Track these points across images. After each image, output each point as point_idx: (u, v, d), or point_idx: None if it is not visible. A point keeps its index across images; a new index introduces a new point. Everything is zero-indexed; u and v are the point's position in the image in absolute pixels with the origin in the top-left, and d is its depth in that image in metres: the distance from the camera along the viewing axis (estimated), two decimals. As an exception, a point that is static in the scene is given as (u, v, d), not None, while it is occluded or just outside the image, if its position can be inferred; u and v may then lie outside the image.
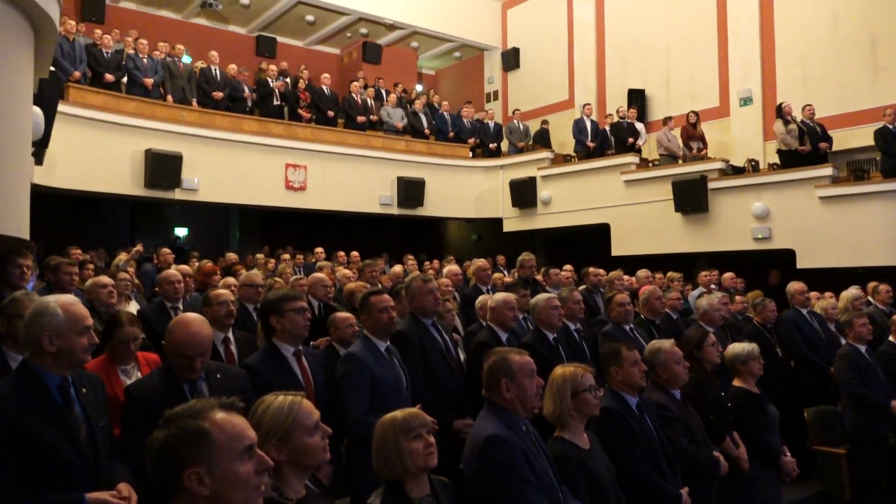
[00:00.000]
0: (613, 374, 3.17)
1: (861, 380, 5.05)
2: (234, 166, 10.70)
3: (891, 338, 5.42)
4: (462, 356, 4.37)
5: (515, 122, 13.60)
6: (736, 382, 4.19)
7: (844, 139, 10.42)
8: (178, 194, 10.20)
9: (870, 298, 6.85)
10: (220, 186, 10.62)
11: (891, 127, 9.00)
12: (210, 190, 10.53)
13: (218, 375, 2.75)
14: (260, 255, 10.49)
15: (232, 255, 9.29)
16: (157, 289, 6.63)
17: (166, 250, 8.09)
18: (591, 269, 6.86)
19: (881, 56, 10.77)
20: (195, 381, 2.65)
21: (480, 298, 5.32)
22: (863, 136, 10.37)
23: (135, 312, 4.50)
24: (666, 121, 11.58)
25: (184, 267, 6.04)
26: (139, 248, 8.12)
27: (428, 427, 2.33)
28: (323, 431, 1.98)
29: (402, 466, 2.25)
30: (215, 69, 11.07)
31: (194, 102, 10.70)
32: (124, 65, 10.14)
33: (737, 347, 4.25)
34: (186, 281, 5.17)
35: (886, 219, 8.72)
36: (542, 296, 4.52)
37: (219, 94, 10.87)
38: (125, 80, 10.21)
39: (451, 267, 6.88)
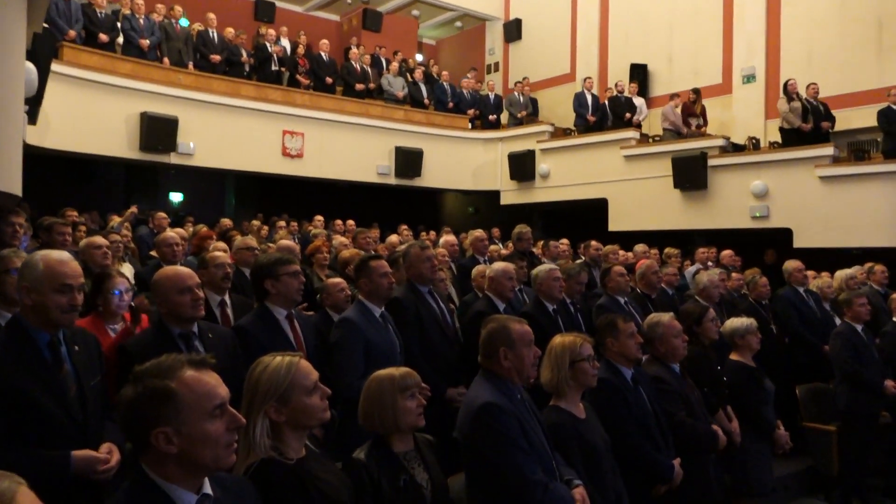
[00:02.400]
0: (609, 345, 3.16)
1: (856, 359, 5.06)
2: (231, 132, 10.58)
3: (894, 318, 5.41)
4: (457, 325, 4.35)
5: (515, 93, 13.45)
6: (733, 356, 4.20)
7: (847, 119, 10.34)
8: (173, 158, 10.09)
9: (866, 279, 6.86)
10: (215, 152, 10.50)
11: (894, 107, 8.92)
12: (206, 155, 10.41)
13: (210, 335, 2.73)
14: (255, 222, 10.44)
15: (226, 221, 9.22)
16: (152, 252, 6.62)
17: (162, 214, 8.02)
18: (594, 243, 6.82)
19: (887, 36, 10.65)
20: (190, 338, 2.62)
21: (477, 268, 5.30)
22: (865, 117, 10.29)
23: (130, 275, 4.47)
24: (672, 97, 11.44)
25: (180, 230, 5.99)
26: (134, 209, 8.04)
27: (421, 388, 2.37)
28: (322, 392, 1.96)
29: (392, 422, 2.29)
30: (213, 32, 10.89)
31: (191, 65, 10.54)
32: (120, 25, 9.95)
33: (735, 322, 4.25)
34: (182, 244, 5.12)
35: (885, 200, 8.69)
36: (543, 266, 4.49)
37: (216, 58, 10.70)
38: (121, 40, 10.03)
39: (448, 237, 6.85)
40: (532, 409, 2.54)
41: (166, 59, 10.27)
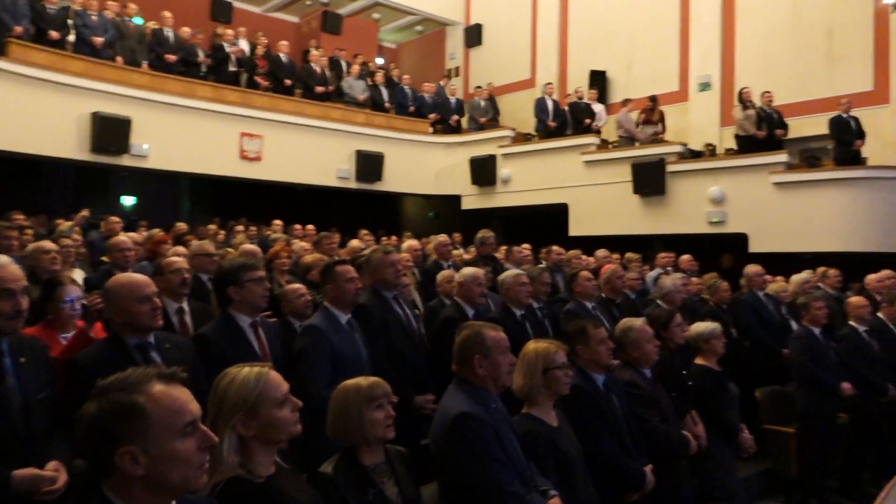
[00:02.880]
0: (580, 352, 3.12)
1: (814, 361, 5.16)
2: (187, 133, 10.31)
3: (851, 322, 5.53)
4: (422, 331, 4.28)
5: (476, 98, 13.46)
6: (698, 361, 4.22)
7: (798, 127, 10.61)
8: (125, 160, 9.79)
9: (819, 283, 7.02)
10: (170, 154, 10.22)
11: (845, 116, 9.20)
12: (160, 157, 10.12)
13: (167, 345, 2.60)
14: (211, 226, 10.18)
15: (182, 225, 8.97)
16: (104, 257, 6.38)
17: (114, 218, 7.74)
18: (555, 248, 6.83)
19: (837, 47, 10.99)
20: (147, 350, 2.48)
21: (442, 273, 5.24)
22: (816, 125, 10.58)
23: (80, 280, 4.27)
24: (625, 102, 11.61)
25: (133, 234, 5.78)
26: (85, 213, 7.75)
27: (390, 398, 2.29)
28: (293, 404, 1.86)
29: (360, 434, 2.21)
30: (168, 31, 10.61)
31: (145, 65, 10.24)
32: (71, 22, 9.62)
33: (700, 326, 4.27)
34: (136, 249, 4.94)
35: (836, 206, 8.94)
36: (510, 272, 4.46)
37: (172, 57, 10.43)
38: (71, 38, 9.69)
39: (411, 242, 6.77)
40: (507, 417, 2.49)
41: (119, 58, 9.95)
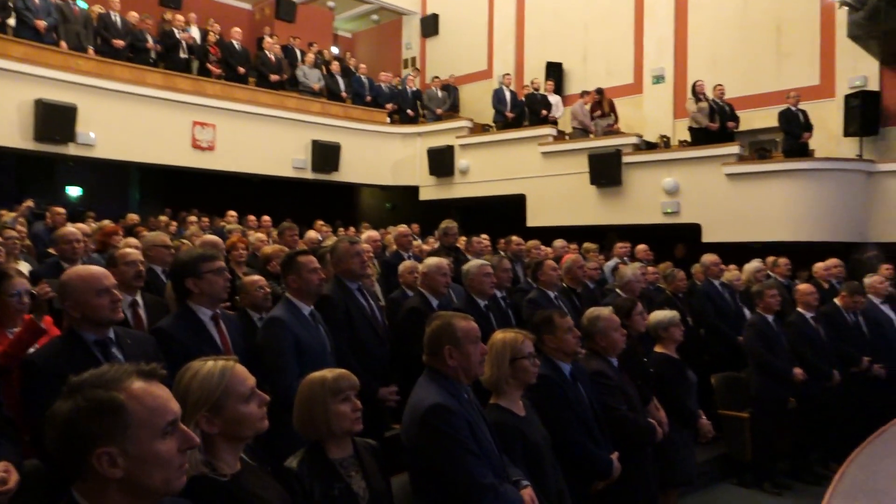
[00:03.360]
0: (547, 341, 3.12)
1: (767, 348, 5.30)
2: (136, 122, 9.99)
3: (799, 308, 5.68)
4: (385, 322, 4.23)
5: (433, 89, 13.40)
6: (657, 349, 4.28)
7: (748, 120, 10.86)
8: (71, 150, 9.44)
9: (768, 272, 7.20)
10: (119, 143, 9.89)
11: (794, 109, 9.45)
12: (108, 146, 9.79)
13: (128, 341, 2.49)
14: (163, 217, 9.93)
15: (133, 216, 8.72)
16: (50, 249, 6.14)
17: (59, 209, 7.47)
18: (515, 238, 6.84)
19: (785, 42, 11.27)
20: (107, 346, 2.37)
21: (404, 264, 5.19)
22: (765, 118, 10.87)
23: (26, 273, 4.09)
24: (583, 94, 11.71)
25: (82, 226, 5.58)
26: (30, 203, 7.45)
27: (356, 390, 2.24)
28: (260, 399, 1.80)
29: (326, 428, 2.16)
30: (115, 16, 10.25)
31: (91, 50, 9.88)
32: (11, 5, 9.20)
33: (659, 315, 4.33)
34: (85, 240, 4.76)
35: (785, 197, 9.18)
36: (474, 262, 4.44)
37: (120, 43, 10.09)
38: (12, 21, 9.28)
39: (371, 233, 6.70)
40: (479, 408, 2.47)
41: (64, 43, 9.57)
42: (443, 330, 2.41)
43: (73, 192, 14.44)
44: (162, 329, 2.78)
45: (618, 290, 5.40)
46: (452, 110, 13.33)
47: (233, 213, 9.55)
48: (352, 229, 10.29)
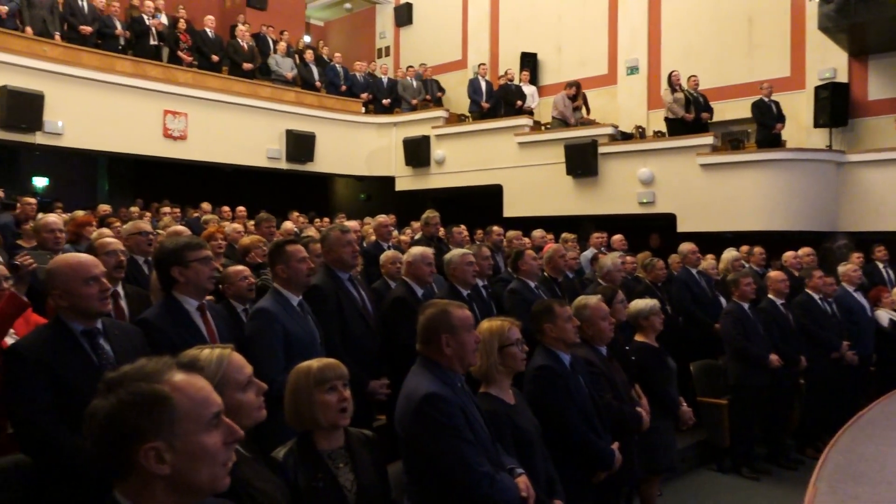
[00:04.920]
0: (547, 331, 3.11)
1: (744, 335, 5.37)
2: (105, 110, 9.76)
3: (769, 295, 5.78)
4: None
5: (408, 78, 13.31)
6: (638, 337, 4.32)
7: (721, 111, 10.97)
8: (39, 138, 9.18)
9: (743, 261, 7.31)
10: (88, 131, 9.66)
11: (766, 100, 9.57)
12: (76, 135, 9.55)
13: (116, 332, 2.43)
14: (134, 208, 9.74)
15: (105, 207, 8.53)
16: (19, 241, 5.97)
17: (30, 199, 7.26)
18: (495, 228, 6.84)
19: (756, 34, 11.41)
20: (95, 336, 2.30)
21: (387, 254, 5.15)
22: (737, 109, 11.02)
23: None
24: (568, 86, 11.65)
25: (60, 215, 5.43)
26: (-1, 193, 7.24)
27: (344, 380, 2.21)
28: (257, 387, 1.76)
29: (312, 419, 2.13)
30: (82, 1, 9.97)
31: (57, 36, 9.61)
32: (-29, -12, 8.92)
33: (640, 304, 4.37)
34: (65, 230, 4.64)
35: (758, 187, 9.32)
36: (456, 251, 4.42)
37: (87, 29, 9.82)
38: (-28, 6, 9.00)
39: (352, 223, 6.63)
40: (472, 397, 2.46)
41: (28, 29, 9.30)
42: (439, 318, 2.38)
43: (40, 182, 14.10)
44: (147, 320, 2.71)
45: (599, 280, 5.44)
46: (436, 103, 13.20)
47: (206, 204, 9.42)
48: (326, 220, 10.19)
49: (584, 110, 11.48)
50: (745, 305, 5.55)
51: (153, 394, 1.14)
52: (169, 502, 1.16)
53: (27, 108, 8.83)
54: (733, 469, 5.49)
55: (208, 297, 3.22)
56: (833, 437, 3.45)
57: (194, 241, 2.90)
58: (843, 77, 10.55)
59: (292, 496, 1.99)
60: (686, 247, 6.46)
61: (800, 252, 7.24)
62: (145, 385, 1.15)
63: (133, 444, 1.12)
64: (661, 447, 4.11)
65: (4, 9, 8.99)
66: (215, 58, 11.27)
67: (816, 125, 10.36)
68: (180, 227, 5.45)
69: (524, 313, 3.60)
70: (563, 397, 2.96)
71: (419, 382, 2.34)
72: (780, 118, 9.68)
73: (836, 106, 10.09)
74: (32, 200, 7.22)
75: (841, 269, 6.28)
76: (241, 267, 4.16)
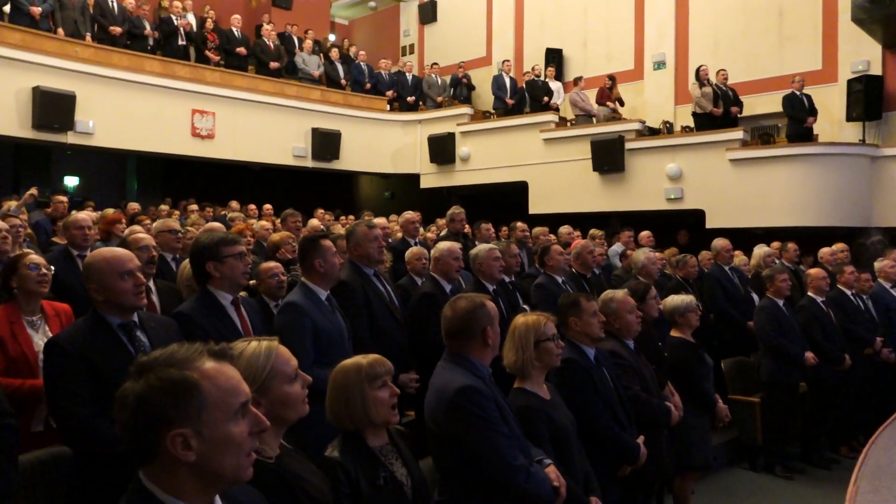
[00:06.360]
0: (572, 324, 3.08)
1: (779, 332, 5.28)
2: (135, 110, 9.89)
3: (809, 293, 5.67)
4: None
5: (433, 75, 13.30)
6: (674, 333, 4.26)
7: (750, 105, 10.82)
8: (70, 138, 9.33)
9: (775, 258, 7.19)
10: (118, 131, 9.79)
11: (798, 94, 9.41)
12: (107, 135, 9.69)
13: (153, 325, 2.44)
14: (164, 207, 9.85)
15: (134, 205, 8.65)
16: (54, 239, 6.08)
17: (62, 198, 7.40)
18: (520, 225, 6.80)
19: (787, 26, 11.22)
20: (132, 329, 2.32)
21: (412, 250, 5.14)
22: (768, 103, 10.84)
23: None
24: (576, 81, 11.60)
25: (90, 213, 5.52)
26: (34, 191, 7.36)
27: (392, 375, 2.18)
28: (303, 380, 1.76)
29: (363, 416, 2.08)
30: (112, 2, 10.11)
31: (88, 37, 9.76)
32: (5, -9, 9.08)
33: (676, 300, 4.31)
34: (95, 228, 4.71)
35: (788, 182, 9.17)
36: (483, 246, 4.40)
37: (117, 30, 9.96)
38: (7, 8, 9.15)
39: (380, 219, 6.64)
40: (499, 391, 2.44)
41: (60, 30, 9.45)
42: (480, 311, 2.36)
43: (71, 181, 14.34)
44: (183, 313, 2.73)
45: (636, 276, 5.35)
46: (463, 101, 13.14)
47: (235, 202, 9.50)
48: (352, 218, 10.23)
49: (618, 104, 11.38)
50: (780, 302, 5.45)
51: (183, 380, 1.15)
52: (194, 488, 1.17)
53: (59, 108, 8.98)
54: (766, 468, 5.40)
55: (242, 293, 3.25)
56: (868, 436, 3.38)
57: (229, 236, 2.92)
58: (876, 69, 10.33)
59: (351, 495, 1.97)
60: (719, 243, 6.36)
61: (834, 248, 7.12)
62: (175, 371, 1.16)
63: (161, 430, 1.13)
64: (697, 444, 4.04)
65: (38, 10, 9.14)
66: (242, 50, 11.32)
67: (849, 119, 10.15)
68: (215, 224, 5.49)
69: (550, 308, 3.56)
70: (588, 391, 2.94)
71: (451, 376, 2.32)
72: (812, 112, 9.51)
73: (869, 99, 9.87)
74: (64, 198, 7.34)
75: (878, 265, 6.15)
76: (273, 264, 4.19)
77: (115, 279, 2.29)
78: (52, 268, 2.91)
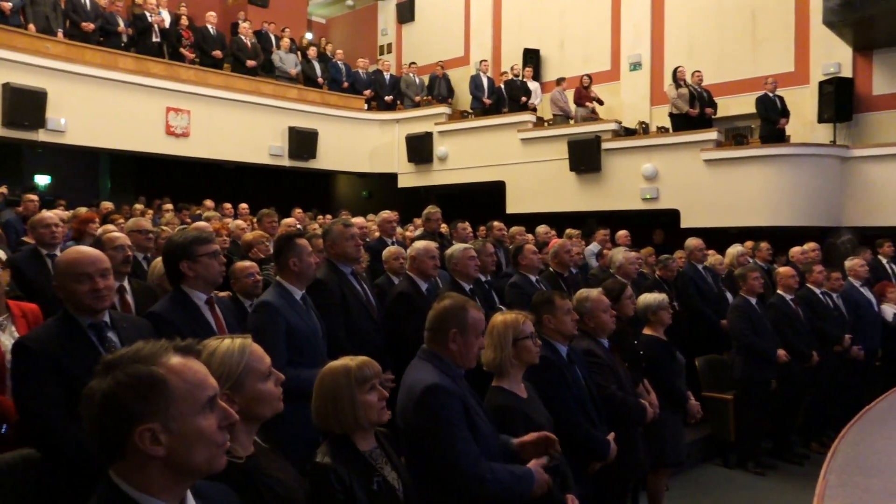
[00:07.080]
0: (546, 322, 3.10)
1: (752, 330, 5.35)
2: (108, 107, 9.75)
3: (779, 291, 5.75)
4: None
5: (411, 75, 13.29)
6: (646, 331, 4.30)
7: (724, 106, 10.96)
8: (41, 136, 9.18)
9: (748, 257, 7.28)
10: (91, 129, 9.66)
11: (771, 95, 9.55)
12: (79, 132, 9.55)
13: (124, 325, 2.41)
14: (137, 206, 9.73)
15: (107, 204, 8.53)
16: (24, 238, 5.97)
17: (32, 196, 7.27)
18: (497, 224, 6.82)
19: (760, 28, 11.38)
20: (102, 329, 2.29)
21: (389, 250, 5.13)
22: (741, 104, 10.99)
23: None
24: (559, 81, 11.69)
25: (59, 211, 5.43)
26: (4, 190, 7.24)
27: (380, 377, 2.13)
28: (276, 377, 1.75)
29: (352, 420, 2.03)
30: (84, -3, 9.96)
31: (60, 34, 9.60)
32: (-26, -15, 8.91)
33: (648, 298, 4.35)
34: (63, 226, 4.63)
35: (762, 182, 9.30)
36: (458, 246, 4.41)
37: (89, 26, 9.81)
38: (-25, 3, 8.99)
39: (357, 219, 6.62)
40: (472, 391, 2.44)
41: (32, 26, 9.29)
42: (454, 312, 2.36)
43: (42, 180, 14.10)
44: (157, 313, 2.69)
45: (616, 275, 5.39)
46: (440, 100, 13.12)
47: (209, 201, 9.40)
48: (329, 217, 10.18)
49: (595, 104, 11.45)
50: (753, 300, 5.53)
51: (149, 375, 1.16)
52: (165, 483, 1.17)
53: (30, 105, 8.83)
54: (739, 464, 5.47)
55: (219, 292, 3.22)
56: (838, 431, 3.44)
57: (203, 235, 2.88)
58: (847, 72, 10.51)
59: (347, 502, 1.92)
60: (692, 242, 6.44)
61: (805, 247, 7.23)
62: (142, 367, 1.16)
63: (128, 426, 1.13)
64: (669, 440, 4.09)
65: (8, 5, 8.98)
66: (217, 54, 11.25)
67: (821, 120, 10.33)
68: (202, 224, 5.46)
69: (524, 307, 3.58)
70: (559, 388, 2.95)
71: (420, 374, 2.32)
72: (785, 113, 9.66)
73: (840, 101, 10.06)
74: (34, 198, 7.22)
75: (848, 263, 6.26)
76: (248, 263, 4.17)
77: (71, 281, 2.26)
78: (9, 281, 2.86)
